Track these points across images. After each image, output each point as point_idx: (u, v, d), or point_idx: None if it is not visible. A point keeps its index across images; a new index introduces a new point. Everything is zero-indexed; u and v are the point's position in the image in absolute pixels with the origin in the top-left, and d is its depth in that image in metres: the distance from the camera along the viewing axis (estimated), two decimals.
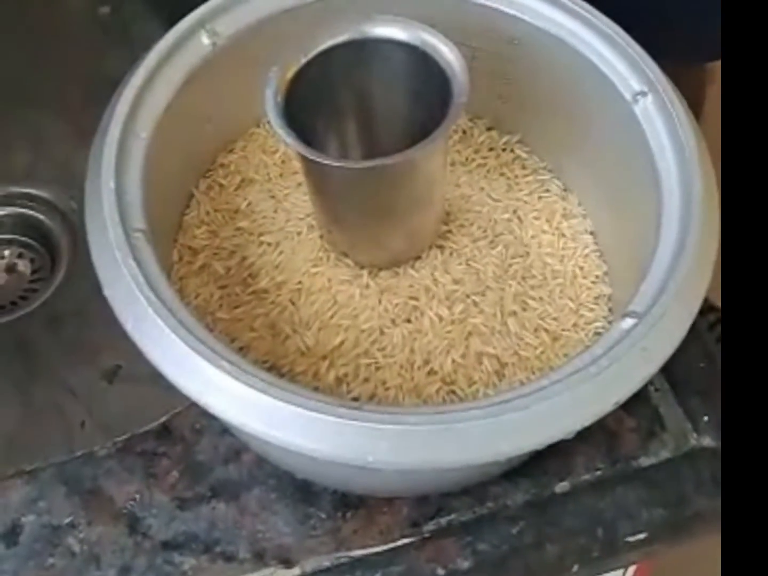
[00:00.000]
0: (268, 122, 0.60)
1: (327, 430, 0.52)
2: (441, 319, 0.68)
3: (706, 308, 0.65)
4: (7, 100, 0.98)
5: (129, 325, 0.56)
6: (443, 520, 0.67)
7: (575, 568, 0.67)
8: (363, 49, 0.64)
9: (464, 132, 0.78)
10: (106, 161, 0.61)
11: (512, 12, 0.70)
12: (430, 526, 0.67)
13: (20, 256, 0.93)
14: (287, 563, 0.66)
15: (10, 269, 0.93)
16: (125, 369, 0.81)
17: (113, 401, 0.80)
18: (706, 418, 0.71)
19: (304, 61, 0.63)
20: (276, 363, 0.67)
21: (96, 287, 0.59)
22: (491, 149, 0.78)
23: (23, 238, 0.94)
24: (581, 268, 0.72)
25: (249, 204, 0.74)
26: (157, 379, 0.56)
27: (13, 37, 1.02)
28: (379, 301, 0.69)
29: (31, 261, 0.93)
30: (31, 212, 0.95)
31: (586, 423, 0.53)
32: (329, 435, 0.52)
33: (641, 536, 0.67)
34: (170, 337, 0.55)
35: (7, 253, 0.94)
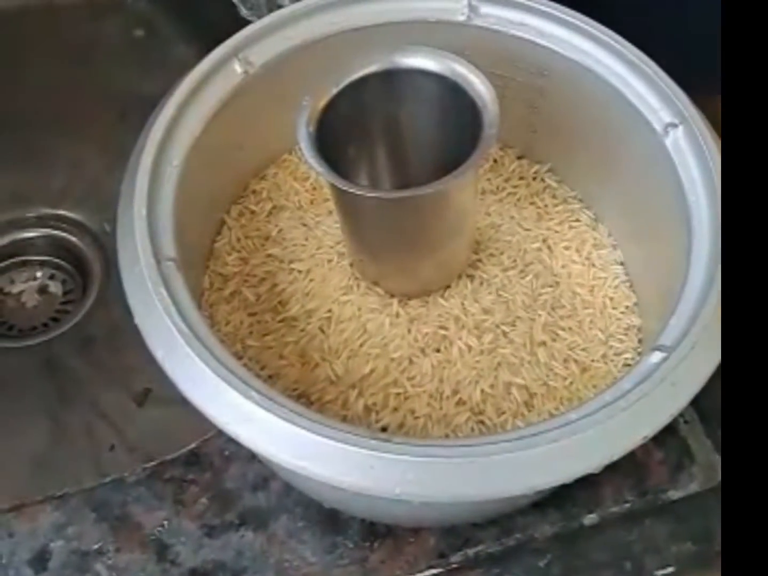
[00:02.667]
0: (300, 150, 0.60)
1: (355, 461, 0.52)
2: (470, 348, 0.68)
3: None
4: (42, 123, 0.99)
5: (159, 354, 0.56)
6: (470, 551, 0.67)
7: None
8: (394, 79, 0.64)
9: (495, 161, 0.78)
10: (138, 190, 0.61)
11: (543, 43, 0.70)
12: (457, 557, 0.67)
13: (52, 277, 0.94)
14: None
15: (42, 291, 0.94)
16: (156, 392, 0.81)
17: (143, 424, 0.80)
18: None
19: (335, 90, 0.63)
20: (305, 391, 0.67)
21: (127, 310, 0.59)
22: (522, 178, 0.78)
23: (55, 260, 0.95)
24: (611, 299, 0.71)
25: (280, 231, 0.74)
26: (187, 402, 0.56)
27: (48, 60, 1.02)
28: (409, 330, 0.69)
29: (63, 283, 0.94)
30: (64, 234, 0.96)
31: (615, 458, 0.53)
32: (357, 466, 0.52)
33: (669, 570, 0.66)
34: (200, 367, 0.55)
35: (39, 274, 0.94)
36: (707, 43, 0.75)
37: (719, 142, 0.64)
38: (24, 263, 0.95)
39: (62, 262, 0.95)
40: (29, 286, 0.94)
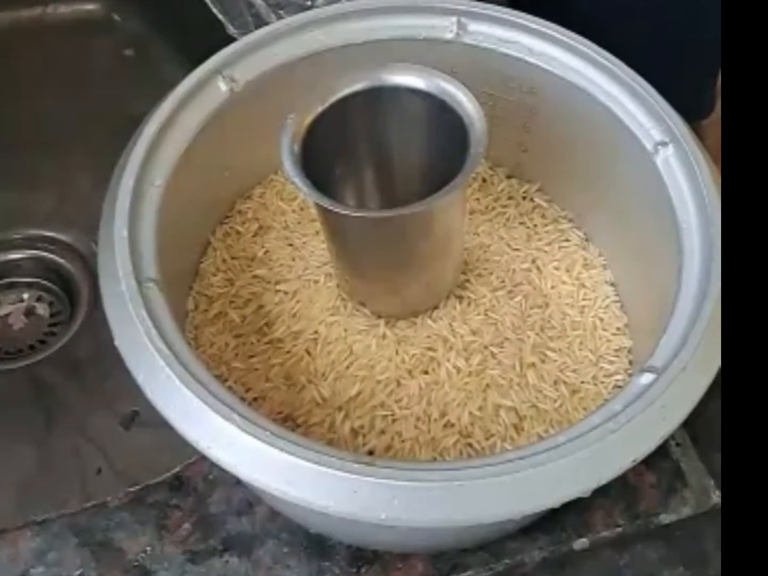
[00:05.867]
0: (284, 170, 0.60)
1: (339, 486, 0.51)
2: (458, 370, 0.67)
3: None
4: (32, 143, 0.99)
5: (140, 377, 0.56)
6: None
7: None
8: (381, 96, 0.64)
9: (484, 180, 0.78)
10: (119, 209, 0.60)
11: (533, 61, 0.69)
12: None
13: (39, 299, 0.94)
14: None
15: (29, 312, 0.93)
16: (143, 415, 0.80)
17: (130, 448, 0.79)
18: None
19: (321, 108, 0.62)
20: (291, 414, 0.66)
21: None
22: (511, 198, 0.77)
23: (43, 282, 0.94)
24: (601, 320, 0.71)
25: (266, 252, 0.74)
26: None
27: (38, 79, 1.02)
28: (396, 352, 0.68)
29: (50, 305, 0.93)
30: (52, 256, 0.95)
31: (603, 481, 0.52)
32: (341, 491, 0.51)
33: None
34: (181, 390, 0.54)
35: (26, 296, 0.94)
36: (697, 68, 0.76)
37: (709, 160, 0.63)
38: (11, 285, 0.94)
39: (50, 284, 0.94)
40: (16, 308, 0.93)
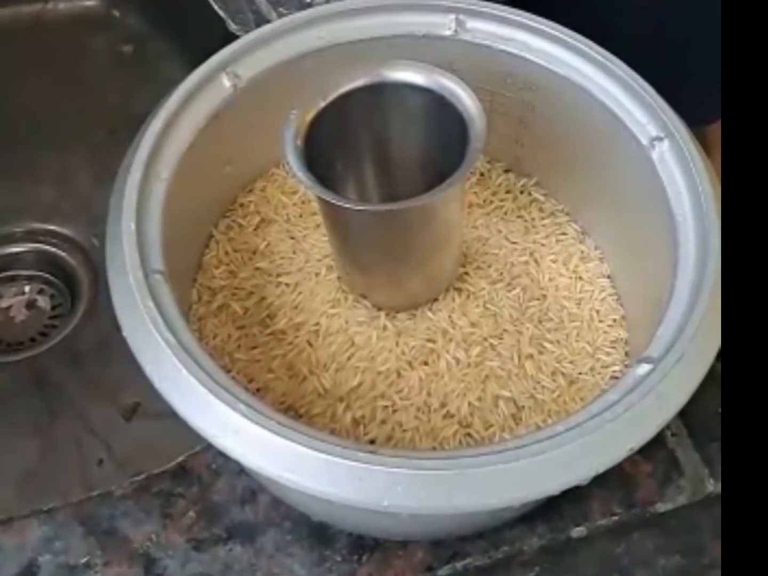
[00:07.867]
0: (287, 164, 0.60)
1: (342, 473, 0.52)
2: (458, 361, 0.68)
3: None
4: (32, 138, 0.99)
5: (148, 368, 0.56)
6: (458, 565, 0.67)
7: None
8: (381, 92, 0.64)
9: (482, 174, 0.79)
10: (127, 203, 0.61)
11: (531, 57, 0.70)
12: (444, 571, 0.66)
13: (41, 292, 0.94)
14: None
15: (31, 305, 0.93)
16: (144, 406, 0.81)
17: (132, 439, 0.80)
18: None
19: (323, 104, 0.63)
20: (293, 404, 0.67)
21: (116, 324, 0.59)
22: (508, 192, 0.78)
23: (44, 275, 0.95)
24: (598, 312, 0.71)
25: (268, 244, 0.75)
26: (176, 416, 0.55)
27: (38, 75, 1.02)
28: (396, 344, 0.69)
29: (51, 297, 0.94)
30: (53, 249, 0.95)
31: (600, 470, 0.53)
32: (344, 479, 0.52)
33: None
34: (188, 380, 0.55)
35: (27, 289, 0.94)
36: (686, 72, 0.76)
37: (704, 154, 0.64)
38: (12, 278, 0.95)
39: (51, 277, 0.95)
40: (17, 300, 0.93)
